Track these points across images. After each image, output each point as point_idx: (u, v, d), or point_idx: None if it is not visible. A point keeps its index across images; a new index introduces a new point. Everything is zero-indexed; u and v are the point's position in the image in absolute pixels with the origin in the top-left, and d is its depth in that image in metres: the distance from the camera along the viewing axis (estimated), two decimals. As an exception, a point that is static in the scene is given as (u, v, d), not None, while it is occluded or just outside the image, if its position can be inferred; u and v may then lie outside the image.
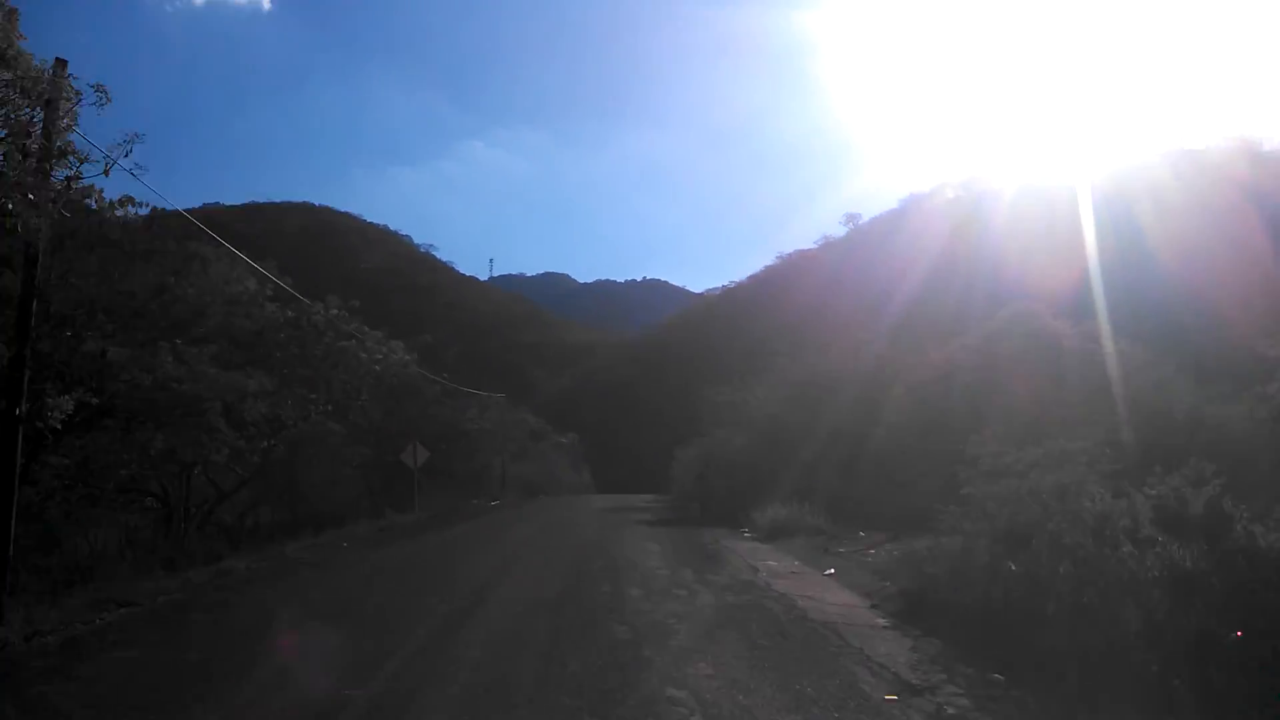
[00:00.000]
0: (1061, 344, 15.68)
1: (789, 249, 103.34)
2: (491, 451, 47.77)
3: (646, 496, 46.68)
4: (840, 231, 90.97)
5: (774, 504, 19.42)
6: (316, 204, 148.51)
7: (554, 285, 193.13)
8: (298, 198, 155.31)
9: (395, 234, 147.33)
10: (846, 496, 18.55)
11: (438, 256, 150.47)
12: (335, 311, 20.93)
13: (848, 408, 20.86)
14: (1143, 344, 15.01)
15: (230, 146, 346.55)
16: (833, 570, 12.26)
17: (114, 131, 11.13)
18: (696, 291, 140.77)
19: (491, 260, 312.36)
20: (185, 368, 13.68)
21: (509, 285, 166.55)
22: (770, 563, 13.64)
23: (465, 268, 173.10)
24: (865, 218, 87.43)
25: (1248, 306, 17.20)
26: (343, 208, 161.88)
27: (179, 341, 13.95)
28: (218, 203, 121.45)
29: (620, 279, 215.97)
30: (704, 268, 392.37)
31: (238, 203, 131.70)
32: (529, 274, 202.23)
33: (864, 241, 77.58)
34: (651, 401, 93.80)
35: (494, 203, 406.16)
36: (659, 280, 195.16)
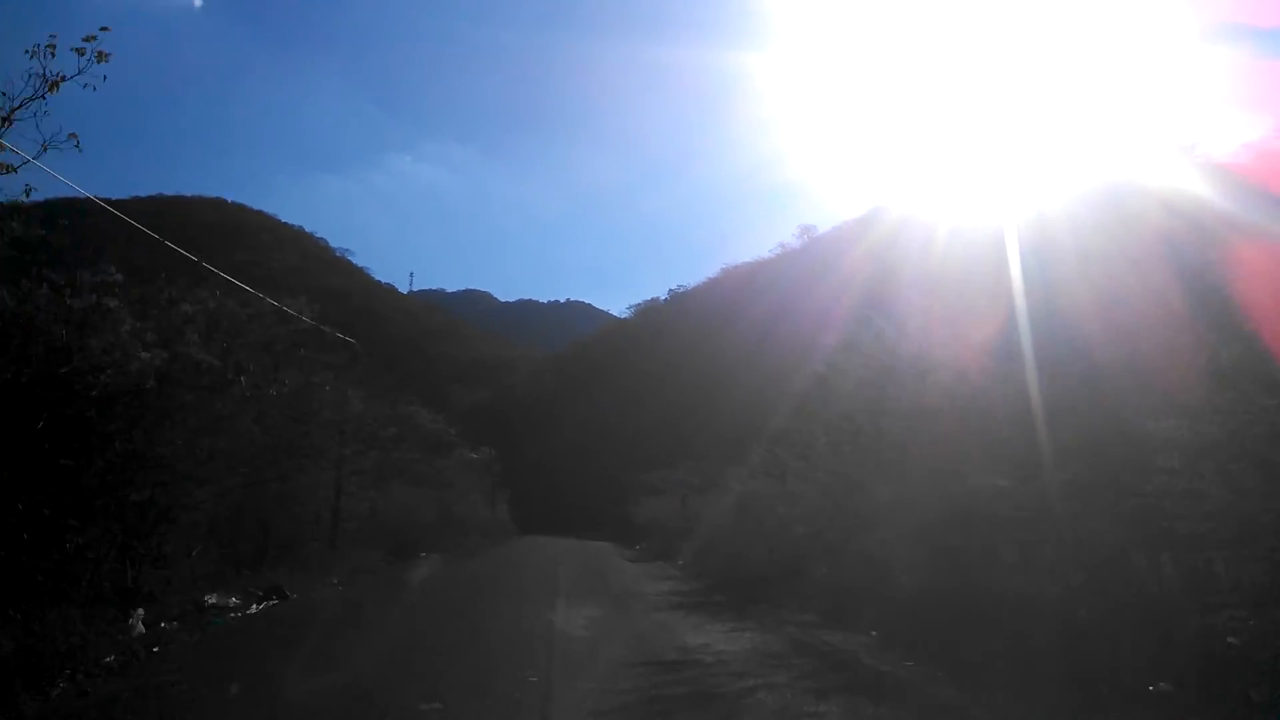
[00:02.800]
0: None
1: (713, 271, 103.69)
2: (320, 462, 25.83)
3: (616, 550, 40.10)
4: (765, 254, 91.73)
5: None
6: (230, 200, 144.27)
7: (475, 302, 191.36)
8: (212, 194, 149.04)
9: (310, 235, 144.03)
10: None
11: (353, 261, 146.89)
12: None
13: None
14: (1064, 387, 14.99)
15: (149, 144, 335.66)
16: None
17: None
18: (620, 315, 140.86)
19: (412, 274, 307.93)
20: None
21: (429, 300, 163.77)
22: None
23: (384, 278, 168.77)
24: (794, 244, 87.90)
25: (1168, 352, 17.29)
26: (259, 208, 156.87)
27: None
28: (130, 196, 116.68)
29: (543, 299, 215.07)
30: (627, 293, 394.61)
31: (143, 194, 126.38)
32: (450, 289, 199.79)
33: (785, 272, 78.69)
34: (579, 420, 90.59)
35: (418, 217, 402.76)
36: (582, 302, 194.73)
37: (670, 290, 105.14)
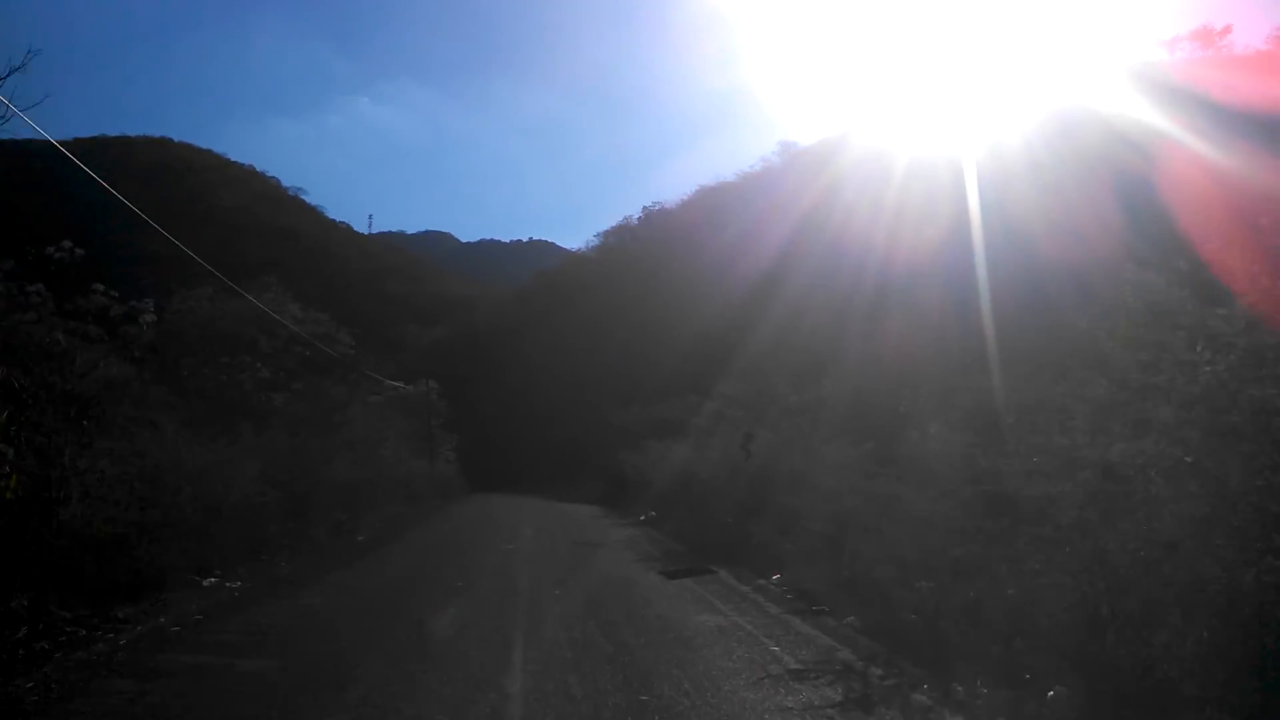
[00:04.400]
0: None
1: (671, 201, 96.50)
2: None
3: (610, 519, 29.97)
4: (727, 177, 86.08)
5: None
6: (176, 140, 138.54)
7: (436, 244, 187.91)
8: (156, 134, 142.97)
9: (260, 174, 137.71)
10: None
11: (306, 200, 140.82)
12: None
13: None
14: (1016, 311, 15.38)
15: (92, 85, 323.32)
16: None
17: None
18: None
19: (370, 216, 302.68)
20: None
21: (388, 241, 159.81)
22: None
23: (340, 218, 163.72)
24: (775, 160, 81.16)
25: (1111, 275, 17.70)
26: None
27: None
28: (72, 137, 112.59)
29: (506, 239, 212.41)
30: (589, 230, 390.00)
31: (84, 136, 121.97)
32: (409, 231, 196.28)
33: (744, 192, 74.33)
34: (551, 351, 77.44)
35: (376, 159, 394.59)
36: (545, 241, 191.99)
37: (645, 208, 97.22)
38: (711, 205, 78.72)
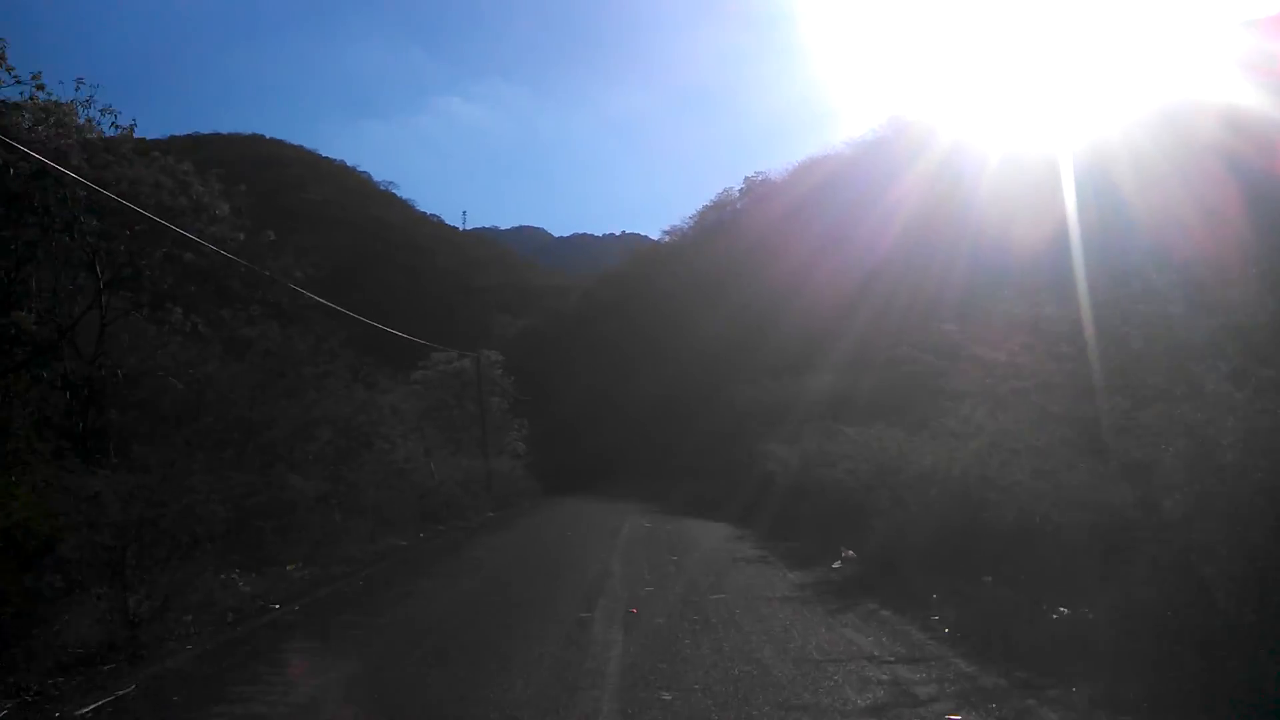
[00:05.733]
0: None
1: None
2: None
3: (738, 540, 21.85)
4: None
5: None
6: (267, 136, 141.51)
7: (529, 238, 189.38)
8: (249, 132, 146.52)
9: (352, 169, 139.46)
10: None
11: (397, 194, 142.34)
12: None
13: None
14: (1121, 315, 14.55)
15: (191, 87, 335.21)
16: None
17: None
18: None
19: (465, 212, 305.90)
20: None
21: (481, 237, 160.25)
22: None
23: (432, 214, 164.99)
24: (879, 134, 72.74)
25: (1222, 273, 16.71)
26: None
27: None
28: (168, 135, 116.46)
29: (598, 233, 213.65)
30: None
31: (180, 133, 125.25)
32: (503, 227, 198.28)
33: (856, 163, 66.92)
34: (636, 346, 66.81)
35: (468, 157, 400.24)
36: (638, 234, 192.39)
37: (746, 178, 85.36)
38: (819, 179, 67.79)
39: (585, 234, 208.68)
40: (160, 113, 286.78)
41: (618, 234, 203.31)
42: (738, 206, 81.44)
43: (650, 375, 61.18)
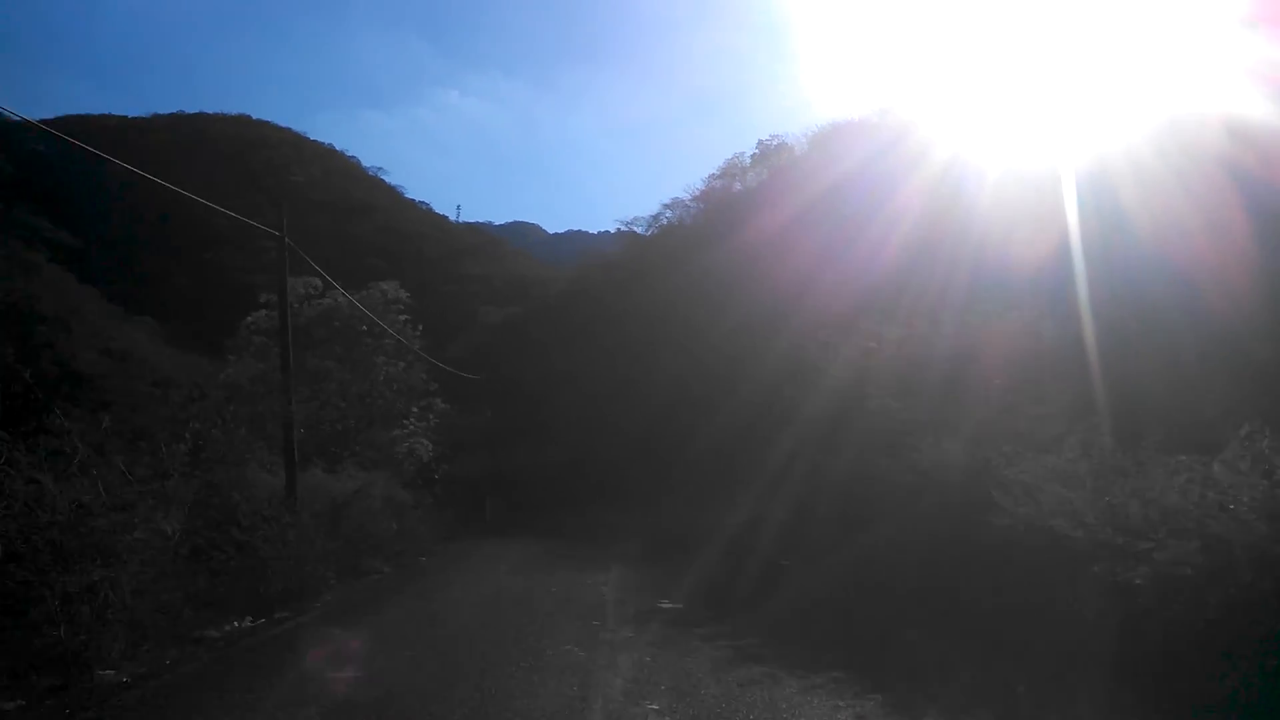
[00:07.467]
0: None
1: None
2: None
3: None
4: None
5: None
6: (255, 117, 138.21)
7: (524, 234, 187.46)
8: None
9: (339, 152, 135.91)
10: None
11: (386, 180, 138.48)
12: None
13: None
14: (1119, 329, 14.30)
15: (184, 73, 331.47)
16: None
17: None
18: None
19: (459, 206, 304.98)
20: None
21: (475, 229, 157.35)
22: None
23: (421, 201, 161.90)
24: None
25: (1225, 288, 16.50)
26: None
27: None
28: (151, 114, 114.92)
29: (593, 230, 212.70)
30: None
31: (163, 112, 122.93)
32: (498, 222, 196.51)
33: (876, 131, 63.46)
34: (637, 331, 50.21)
35: (464, 150, 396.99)
36: (633, 231, 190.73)
37: (760, 142, 69.39)
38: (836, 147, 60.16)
39: (580, 230, 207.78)
40: (155, 93, 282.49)
41: (612, 231, 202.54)
42: (746, 175, 71.54)
43: (648, 371, 47.05)
